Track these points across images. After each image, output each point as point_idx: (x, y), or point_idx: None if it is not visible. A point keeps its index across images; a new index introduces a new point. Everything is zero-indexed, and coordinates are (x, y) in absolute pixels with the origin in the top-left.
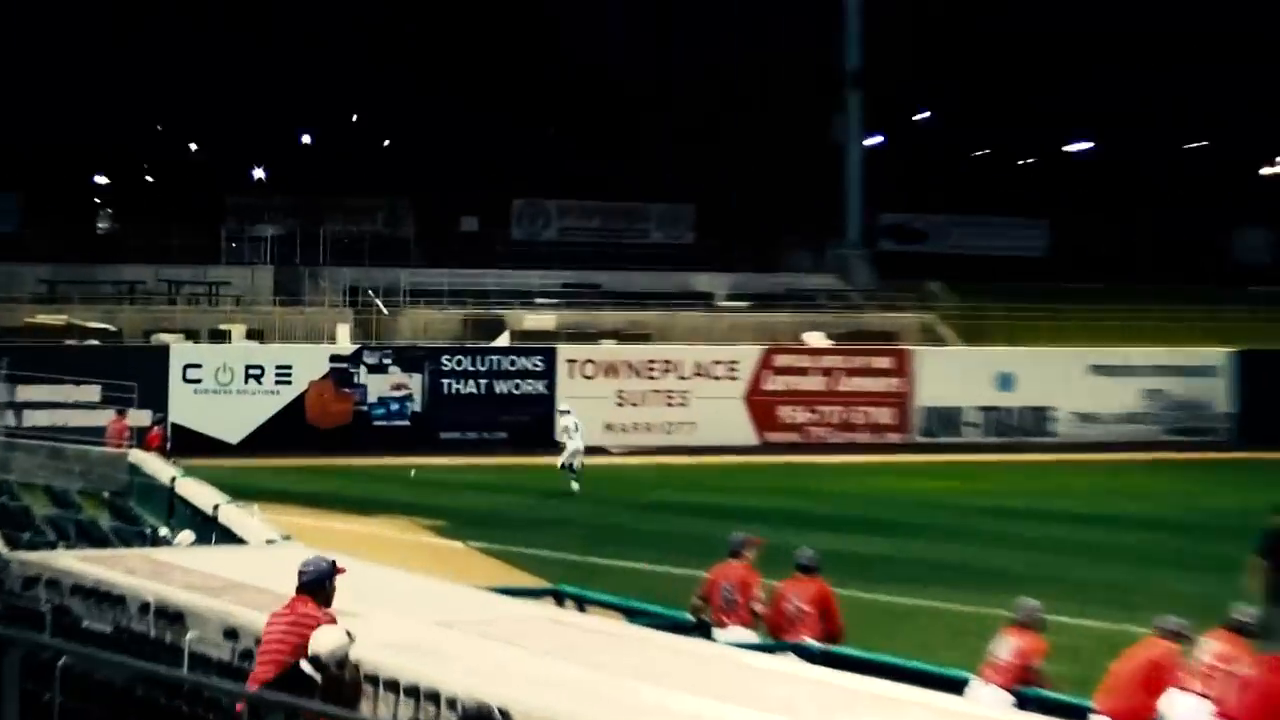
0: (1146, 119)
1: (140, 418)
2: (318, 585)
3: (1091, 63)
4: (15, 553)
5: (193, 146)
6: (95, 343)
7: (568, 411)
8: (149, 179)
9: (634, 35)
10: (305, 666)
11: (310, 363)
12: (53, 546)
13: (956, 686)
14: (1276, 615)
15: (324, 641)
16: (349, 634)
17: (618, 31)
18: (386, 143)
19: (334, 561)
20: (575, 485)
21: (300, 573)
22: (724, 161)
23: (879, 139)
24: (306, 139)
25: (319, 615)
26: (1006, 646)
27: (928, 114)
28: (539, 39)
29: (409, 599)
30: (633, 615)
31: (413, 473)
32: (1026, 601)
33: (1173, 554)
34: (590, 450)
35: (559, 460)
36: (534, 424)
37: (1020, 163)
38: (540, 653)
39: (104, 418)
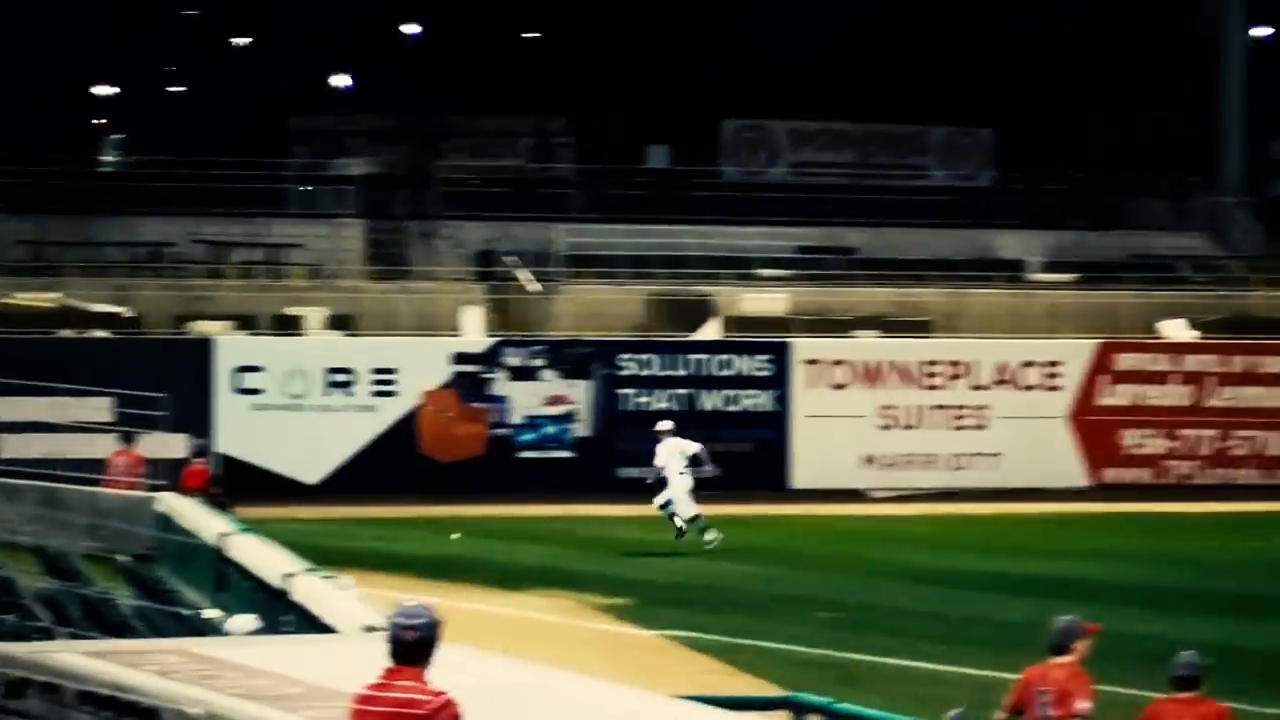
0: None
1: (166, 446)
2: (424, 649)
3: None
4: None
5: (242, 41)
6: (103, 334)
7: (671, 432)
8: (177, 89)
9: None
10: None
11: (424, 364)
12: (48, 635)
13: None
14: None
15: None
16: None
17: None
18: (534, 35)
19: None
20: (697, 533)
21: (398, 629)
22: (1038, 69)
23: (1268, 31)
24: (414, 29)
25: (429, 698)
26: None
27: None
28: None
29: (581, 715)
30: None
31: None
32: None
33: None
34: (843, 495)
35: (684, 512)
36: (759, 455)
37: None
38: None
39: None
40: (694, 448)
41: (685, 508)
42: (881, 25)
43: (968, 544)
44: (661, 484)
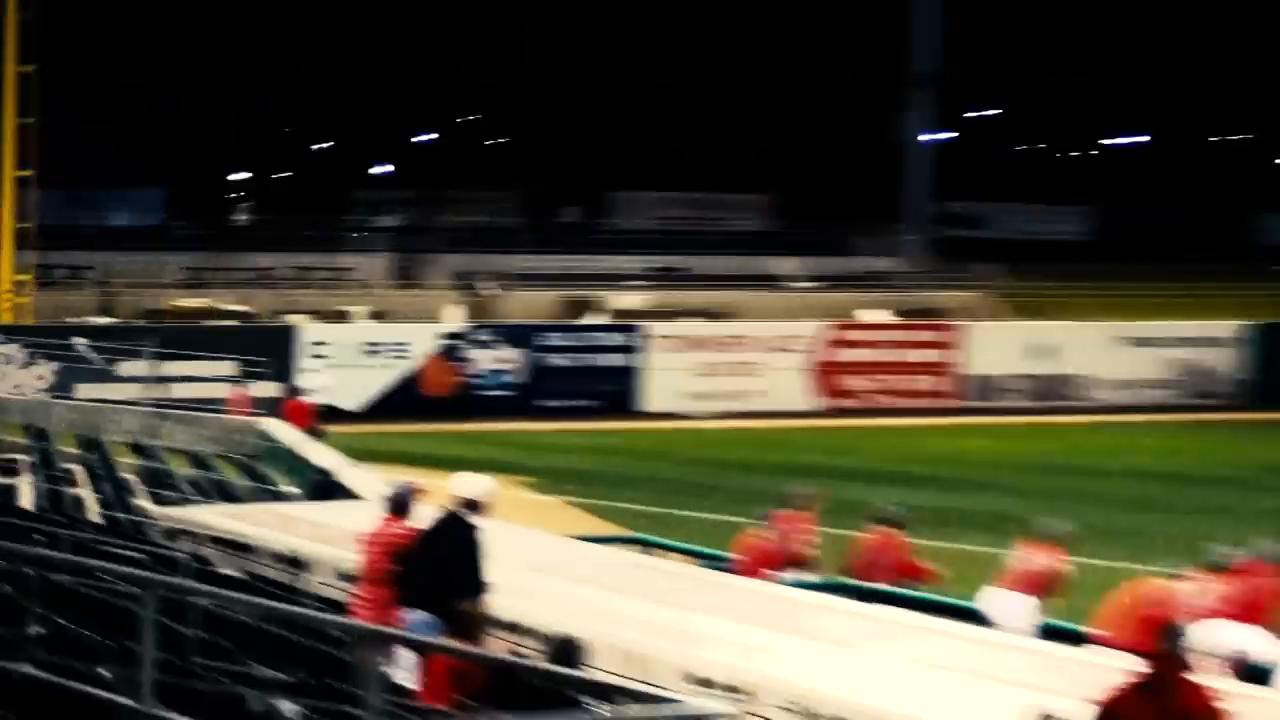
0: (1176, 116)
1: (268, 390)
2: (403, 505)
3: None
4: (160, 508)
5: (321, 146)
6: (232, 323)
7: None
8: (282, 175)
9: (723, 41)
10: (460, 511)
11: (425, 340)
12: (193, 504)
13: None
14: None
15: (474, 486)
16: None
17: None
18: (503, 140)
19: (414, 484)
20: None
21: (388, 497)
22: (800, 154)
23: (946, 135)
24: (428, 138)
25: (405, 531)
26: (1026, 559)
27: (993, 111)
28: (635, 48)
29: (507, 547)
30: (706, 560)
31: None
32: (1049, 522)
33: (1195, 502)
34: (676, 416)
35: None
36: (626, 391)
37: (1062, 155)
38: (620, 592)
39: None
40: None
41: None
42: (708, 129)
43: (749, 444)
44: None
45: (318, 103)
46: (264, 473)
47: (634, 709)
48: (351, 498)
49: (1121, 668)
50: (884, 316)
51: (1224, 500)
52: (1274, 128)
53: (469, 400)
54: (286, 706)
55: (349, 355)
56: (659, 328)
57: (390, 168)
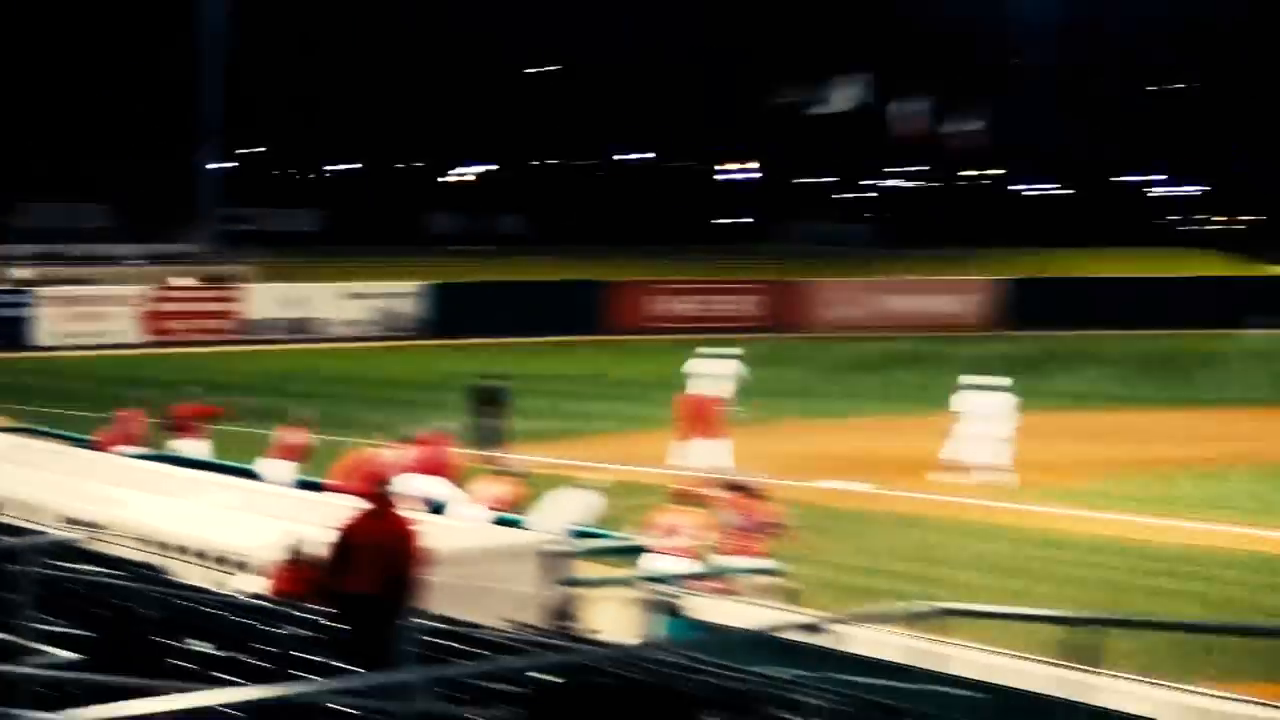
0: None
1: None
2: None
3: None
4: None
5: None
6: None
7: None
8: None
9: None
10: None
11: None
12: None
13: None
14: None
15: None
16: None
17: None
18: None
19: None
20: None
21: None
22: (134, 173)
23: (230, 164)
24: None
25: None
26: (286, 436)
27: (260, 149)
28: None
29: None
30: (76, 442)
31: None
32: (302, 411)
33: (395, 396)
34: (55, 348)
35: None
36: (19, 334)
37: (303, 176)
38: (17, 464)
39: None
40: None
41: None
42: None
43: (104, 366)
44: None
45: None
46: None
47: (25, 540)
48: None
49: (351, 506)
50: (191, 281)
51: (413, 395)
52: (437, 159)
53: None
54: None
55: None
56: (44, 290)
57: None
